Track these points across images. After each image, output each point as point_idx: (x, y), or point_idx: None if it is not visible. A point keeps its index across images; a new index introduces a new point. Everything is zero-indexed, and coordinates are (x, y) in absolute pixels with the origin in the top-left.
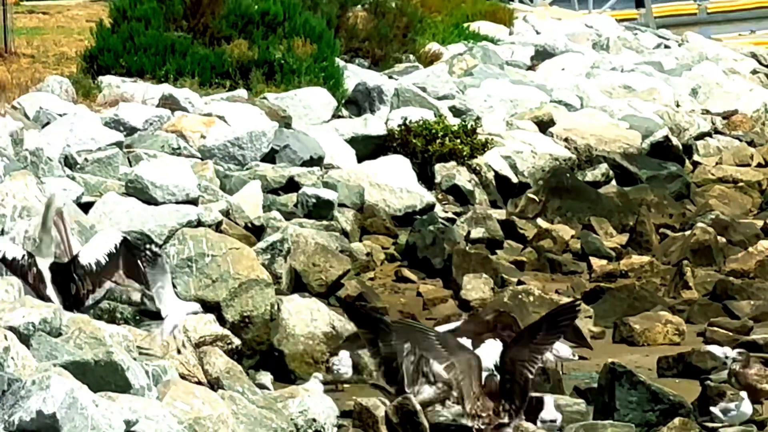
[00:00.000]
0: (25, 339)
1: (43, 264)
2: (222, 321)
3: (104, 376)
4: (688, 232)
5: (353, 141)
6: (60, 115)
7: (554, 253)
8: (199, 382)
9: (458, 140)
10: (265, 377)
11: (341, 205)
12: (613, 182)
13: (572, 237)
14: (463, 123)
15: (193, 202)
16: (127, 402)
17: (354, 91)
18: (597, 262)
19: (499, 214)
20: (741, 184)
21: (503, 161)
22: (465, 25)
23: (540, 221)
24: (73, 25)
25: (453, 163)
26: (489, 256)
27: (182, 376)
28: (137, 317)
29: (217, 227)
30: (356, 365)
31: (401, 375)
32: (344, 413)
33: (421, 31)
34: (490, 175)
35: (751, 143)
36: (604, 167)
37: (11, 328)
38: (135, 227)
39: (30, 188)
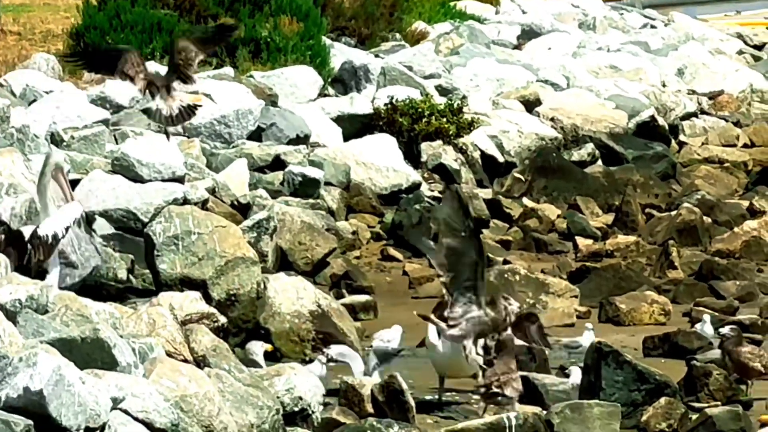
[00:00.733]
0: (11, 316)
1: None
2: (208, 299)
3: (91, 354)
4: (674, 212)
5: (339, 119)
6: (46, 93)
7: (540, 233)
8: (185, 360)
9: (444, 119)
10: (257, 347)
11: (327, 183)
12: (599, 162)
13: (558, 216)
14: (450, 102)
15: (180, 180)
16: (113, 379)
17: (340, 69)
18: (583, 242)
19: (485, 193)
20: (727, 164)
21: (489, 140)
22: (451, 4)
23: (526, 201)
24: (60, 2)
25: (439, 142)
26: None
27: (168, 354)
28: (123, 294)
29: (203, 205)
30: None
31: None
32: (330, 392)
33: (408, 9)
34: (476, 155)
35: (737, 123)
36: (590, 147)
37: None
38: (121, 205)
39: (16, 165)
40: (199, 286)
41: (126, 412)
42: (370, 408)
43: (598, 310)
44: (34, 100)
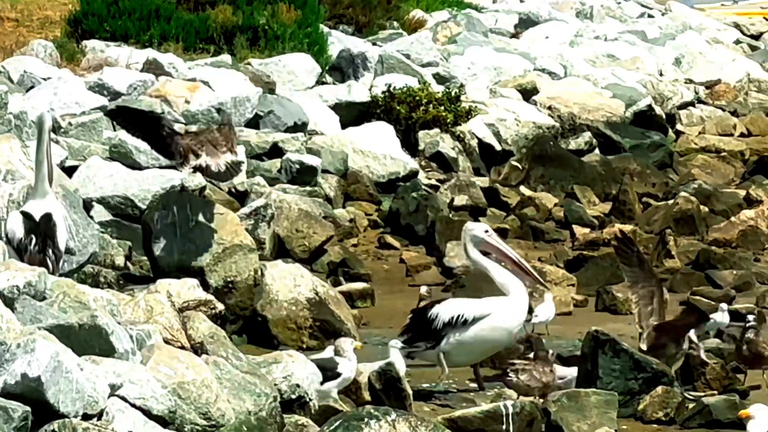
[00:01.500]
0: (9, 302)
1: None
2: (205, 286)
3: (88, 340)
4: (670, 201)
5: (337, 107)
6: (44, 79)
7: (537, 221)
8: (182, 347)
9: (442, 107)
10: (346, 344)
11: (325, 171)
12: (597, 151)
13: (555, 205)
14: (447, 90)
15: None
16: (111, 366)
17: (338, 57)
18: (580, 231)
19: (483, 181)
20: (724, 153)
21: (487, 129)
22: None
23: (523, 189)
24: None
25: (436, 130)
26: None
27: (166, 341)
28: (121, 281)
29: (200, 192)
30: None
31: None
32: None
33: None
34: (474, 143)
35: (734, 113)
36: (587, 136)
37: None
38: (119, 192)
39: (14, 152)
40: (197, 273)
41: (123, 398)
42: (367, 396)
43: (595, 299)
44: (32, 87)
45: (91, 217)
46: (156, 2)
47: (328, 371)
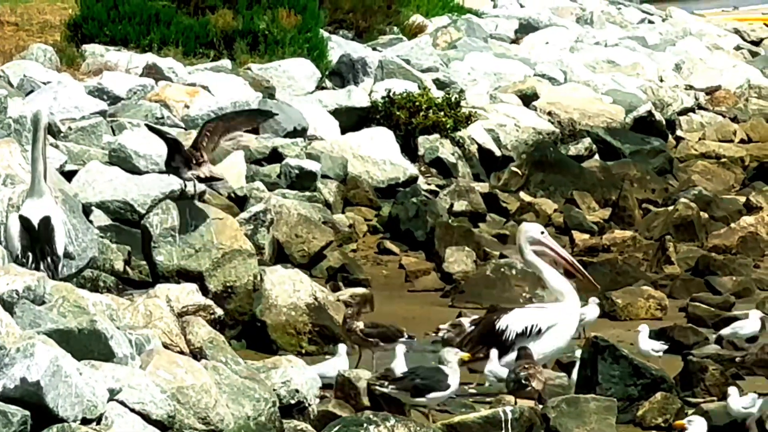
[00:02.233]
0: (8, 307)
1: None
2: (205, 291)
3: (88, 345)
4: (670, 208)
5: (337, 112)
6: (44, 84)
7: None
8: (181, 352)
9: (442, 113)
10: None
11: (324, 176)
12: (596, 156)
13: (555, 211)
14: (447, 96)
15: None
16: (110, 370)
17: (338, 62)
18: (579, 236)
19: (482, 187)
20: (724, 159)
21: (486, 134)
22: None
23: (523, 195)
24: None
25: (436, 135)
26: (471, 229)
27: (165, 346)
28: (120, 286)
29: (200, 197)
30: None
31: None
32: (326, 384)
33: (406, 3)
34: (474, 148)
35: (734, 119)
36: (587, 141)
37: None
38: (118, 196)
39: (14, 156)
40: (196, 278)
41: (122, 403)
42: (366, 401)
43: None
44: (32, 91)
45: (91, 222)
46: (156, 7)
47: (440, 382)
